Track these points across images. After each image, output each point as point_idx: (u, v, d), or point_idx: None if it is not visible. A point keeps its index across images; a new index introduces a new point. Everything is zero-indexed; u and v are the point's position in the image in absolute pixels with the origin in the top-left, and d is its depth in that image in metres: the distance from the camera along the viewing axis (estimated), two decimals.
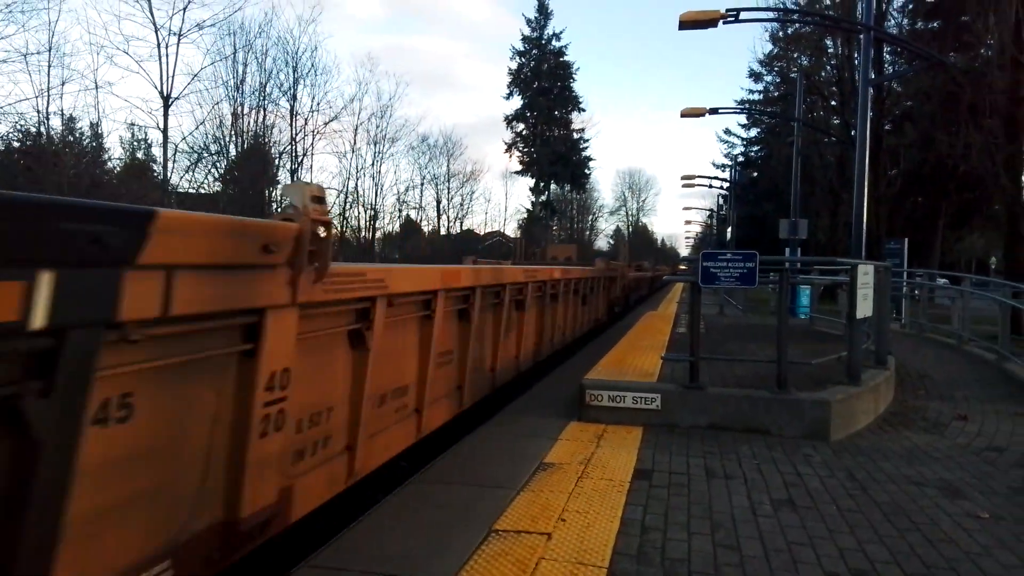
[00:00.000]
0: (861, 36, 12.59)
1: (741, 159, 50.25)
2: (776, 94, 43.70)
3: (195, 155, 28.28)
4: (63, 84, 24.44)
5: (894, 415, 6.41)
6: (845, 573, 3.03)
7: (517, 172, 58.39)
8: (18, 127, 23.27)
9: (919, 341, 12.59)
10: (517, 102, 57.21)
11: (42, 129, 23.49)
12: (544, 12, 56.89)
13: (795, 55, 35.10)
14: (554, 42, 56.99)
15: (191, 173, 28.47)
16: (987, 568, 3.12)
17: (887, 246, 21.13)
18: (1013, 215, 18.66)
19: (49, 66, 23.40)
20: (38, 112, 23.13)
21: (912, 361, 9.57)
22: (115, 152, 29.77)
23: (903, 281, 16.04)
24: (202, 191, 28.70)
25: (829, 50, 30.51)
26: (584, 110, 59.19)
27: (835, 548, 3.30)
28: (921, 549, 3.31)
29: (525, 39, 56.98)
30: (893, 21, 26.89)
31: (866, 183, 11.28)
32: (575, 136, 58.74)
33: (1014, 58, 17.45)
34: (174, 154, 27.21)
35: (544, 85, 56.24)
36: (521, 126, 57.64)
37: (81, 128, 27.39)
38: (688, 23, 11.19)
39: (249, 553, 3.32)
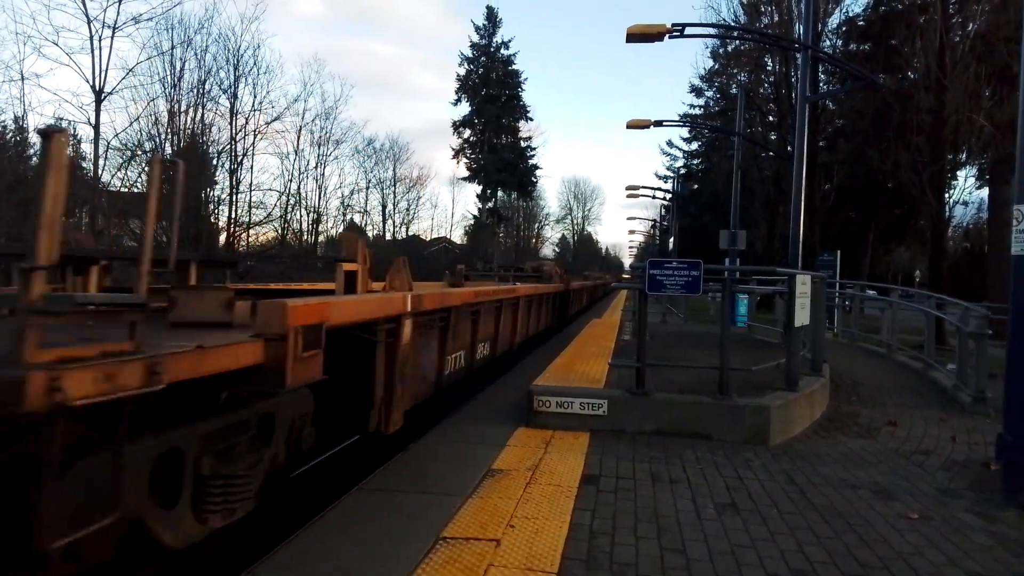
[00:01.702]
0: (799, 55, 13.07)
1: (683, 171, 51.44)
2: (716, 109, 45.01)
3: (128, 153, 27.24)
4: None
5: (829, 420, 6.63)
6: (786, 573, 3.11)
7: (464, 178, 58.33)
8: None
9: (851, 350, 13.09)
10: (465, 108, 57.21)
11: None
12: (493, 20, 57.12)
13: (735, 71, 36.24)
14: (503, 50, 57.23)
15: (124, 171, 27.39)
16: (918, 566, 3.24)
17: (820, 258, 21.94)
18: (937, 230, 19.69)
19: None
20: None
21: (845, 369, 9.93)
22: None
23: (836, 292, 16.68)
24: (135, 190, 27.62)
25: (768, 67, 31.62)
26: (532, 119, 59.62)
27: (776, 550, 3.38)
28: (857, 550, 3.42)
29: (474, 46, 57.07)
30: (828, 42, 28.02)
31: (802, 196, 11.68)
32: (522, 144, 59.02)
33: (938, 80, 18.42)
34: (106, 151, 26.13)
35: (492, 92, 56.38)
36: (468, 132, 57.62)
37: (4, 122, 26.07)
38: (635, 36, 11.38)
39: (180, 570, 3.18)
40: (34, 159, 26.79)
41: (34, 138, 28.38)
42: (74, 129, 27.67)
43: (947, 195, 20.26)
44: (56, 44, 25.76)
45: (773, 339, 11.53)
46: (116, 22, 25.32)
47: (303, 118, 36.78)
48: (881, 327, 13.64)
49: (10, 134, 25.99)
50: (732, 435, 5.54)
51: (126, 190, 27.08)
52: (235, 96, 31.56)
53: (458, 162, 58.10)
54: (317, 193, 39.22)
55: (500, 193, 59.13)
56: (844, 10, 28.51)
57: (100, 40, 25.17)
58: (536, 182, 61.67)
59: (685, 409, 5.69)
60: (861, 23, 28.42)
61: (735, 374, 6.04)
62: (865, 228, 32.00)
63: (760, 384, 6.39)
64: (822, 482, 4.56)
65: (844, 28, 29.14)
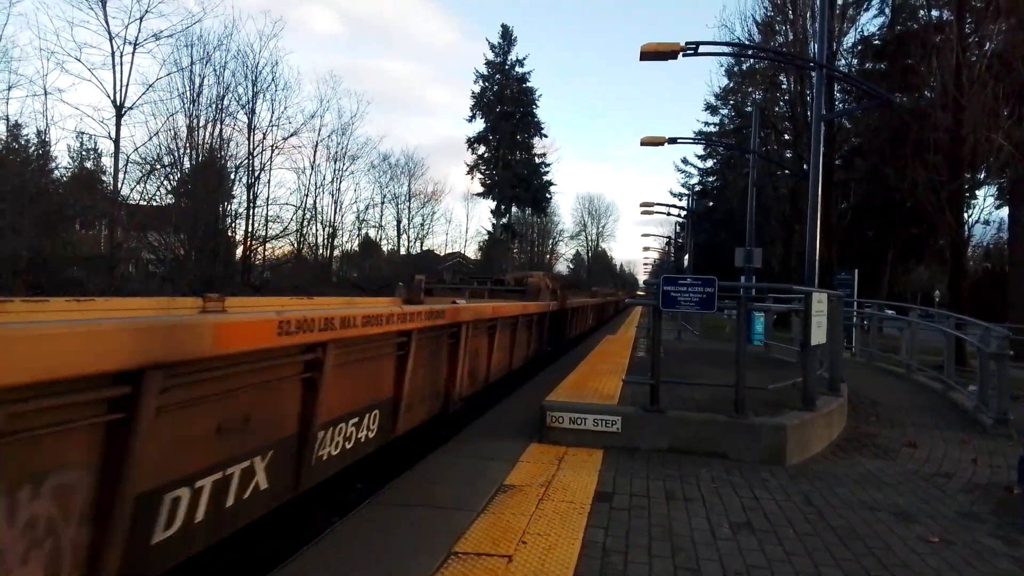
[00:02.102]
0: (814, 73, 13.05)
1: (698, 188, 51.42)
2: (731, 127, 45.03)
3: (147, 167, 27.60)
4: (9, 89, 23.71)
5: (847, 441, 6.53)
6: None
7: (479, 194, 58.66)
8: None
9: (869, 369, 12.92)
10: (480, 125, 57.71)
11: None
12: (508, 38, 57.73)
13: (750, 90, 36.25)
14: (517, 68, 57.80)
15: (143, 185, 27.73)
16: None
17: (838, 276, 21.73)
18: (957, 250, 19.46)
19: None
20: None
21: (863, 389, 9.80)
22: (63, 161, 28.90)
23: (853, 311, 16.51)
24: (154, 204, 27.97)
25: (783, 86, 31.59)
26: (546, 135, 60.22)
27: (792, 571, 3.32)
28: (876, 572, 3.35)
29: (489, 63, 57.64)
30: (843, 61, 27.98)
31: (819, 215, 11.60)
32: (537, 160, 59.39)
33: (955, 99, 18.31)
34: (125, 165, 26.51)
35: (507, 109, 56.82)
36: (483, 149, 58.05)
37: (27, 135, 26.55)
38: (649, 54, 11.41)
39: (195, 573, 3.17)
40: (56, 172, 27.26)
41: (56, 151, 28.87)
42: (94, 143, 28.18)
43: (966, 214, 20.07)
44: (79, 60, 26.31)
45: (790, 358, 11.41)
46: (137, 38, 25.87)
47: (319, 133, 37.17)
48: (900, 347, 13.46)
49: (33, 147, 26.44)
50: (748, 454, 5.47)
51: (145, 203, 27.44)
52: (253, 111, 32.00)
53: (472, 178, 58.51)
54: (333, 208, 39.48)
55: (514, 209, 59.39)
56: (859, 29, 28.49)
57: (121, 56, 25.70)
58: (550, 198, 61.99)
59: (700, 427, 5.63)
60: (876, 42, 28.39)
61: (751, 392, 5.97)
62: (883, 247, 31.75)
63: (777, 403, 6.32)
64: (840, 503, 4.49)
65: (859, 47, 29.11)
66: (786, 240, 33.41)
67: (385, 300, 8.78)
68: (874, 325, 15.54)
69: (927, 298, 47.22)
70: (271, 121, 33.13)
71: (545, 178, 59.71)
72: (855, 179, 29.91)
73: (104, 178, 27.83)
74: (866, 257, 30.92)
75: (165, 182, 28.47)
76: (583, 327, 19.98)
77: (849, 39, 28.44)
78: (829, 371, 7.59)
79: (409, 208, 49.86)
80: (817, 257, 11.51)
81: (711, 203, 50.33)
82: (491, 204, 58.16)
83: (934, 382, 10.65)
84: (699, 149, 53.00)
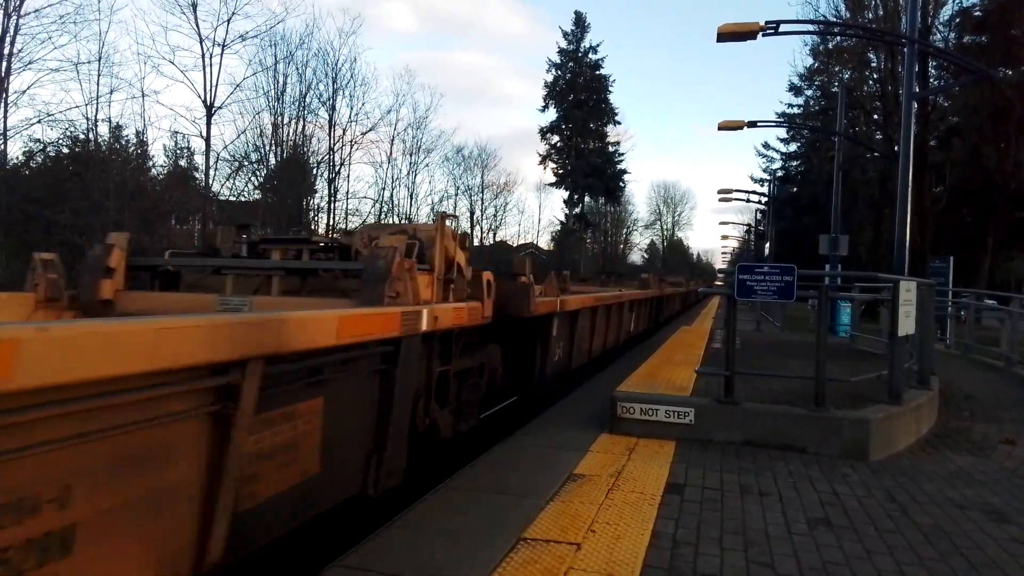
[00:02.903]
0: (905, 49, 12.36)
1: (780, 173, 49.60)
2: (817, 108, 43.14)
3: (236, 164, 28.94)
4: (111, 92, 25.24)
5: (937, 436, 6.22)
6: None
7: (551, 184, 58.47)
8: (68, 133, 24.14)
9: (965, 362, 12.22)
10: (552, 114, 57.41)
11: (90, 136, 24.32)
12: (581, 25, 57.12)
13: (836, 69, 34.62)
14: (590, 55, 57.14)
15: (231, 181, 29.13)
16: None
17: (932, 264, 20.58)
18: None
19: (99, 75, 24.19)
20: (87, 119, 23.94)
21: (957, 382, 9.28)
22: (159, 160, 30.68)
23: (948, 301, 15.61)
24: (242, 199, 29.34)
25: (872, 64, 30.04)
26: (619, 123, 59.17)
27: (873, 569, 3.21)
28: (963, 573, 3.20)
29: (561, 52, 57.22)
30: (939, 35, 26.35)
31: (909, 199, 11.02)
32: (610, 149, 58.66)
33: None
34: (215, 162, 27.90)
35: (579, 98, 56.33)
36: (556, 138, 57.79)
37: (127, 136, 28.25)
38: (726, 35, 11.09)
39: (278, 553, 3.36)
40: (153, 170, 28.93)
41: (153, 150, 30.59)
42: (187, 142, 29.74)
43: None
44: (172, 63, 27.82)
45: (877, 350, 10.93)
46: (225, 40, 27.09)
47: (395, 128, 38.01)
48: (999, 338, 12.65)
49: (132, 147, 28.15)
50: (828, 448, 5.29)
51: (234, 199, 28.81)
52: (333, 108, 33.04)
53: (545, 168, 58.36)
54: (408, 200, 40.33)
55: (587, 198, 58.93)
56: (958, 1, 26.74)
57: (211, 58, 27.00)
58: (624, 187, 61.17)
59: (777, 420, 5.48)
60: (977, 13, 26.54)
61: (833, 385, 5.76)
62: (982, 232, 29.77)
63: (860, 396, 6.07)
64: (927, 500, 4.29)
65: (957, 19, 27.30)
66: (875, 226, 31.89)
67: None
68: (971, 315, 14.64)
69: None
70: (350, 117, 34.18)
71: (619, 166, 58.94)
72: (952, 160, 28.15)
73: (196, 175, 29.37)
74: (963, 243, 29.06)
75: (252, 178, 29.81)
76: (673, 310, 23.54)
77: (947, 11, 26.79)
78: (919, 363, 7.23)
79: (482, 199, 50.37)
80: (907, 243, 10.97)
81: (794, 188, 48.48)
82: (564, 194, 57.90)
83: None
84: (781, 132, 51.01)
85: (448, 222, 4.97)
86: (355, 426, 3.79)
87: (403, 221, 39.11)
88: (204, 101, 26.98)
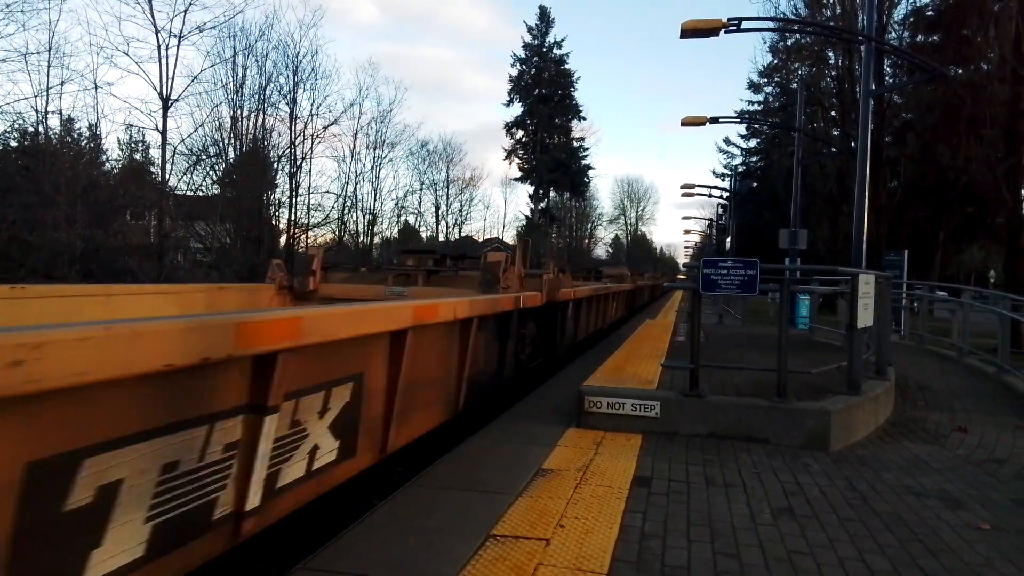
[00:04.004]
0: (862, 47, 12.63)
1: (741, 169, 50.44)
2: (776, 105, 43.95)
3: (193, 158, 28.25)
4: (62, 84, 24.45)
5: (894, 426, 6.38)
6: None
7: (516, 179, 58.56)
8: (16, 126, 23.30)
9: (919, 353, 12.58)
10: (517, 109, 57.48)
11: (40, 129, 23.51)
12: (546, 20, 57.18)
13: (795, 66, 35.27)
14: (555, 50, 57.27)
15: (189, 176, 28.41)
16: None
17: (887, 258, 21.14)
18: (1013, 228, 18.74)
19: (48, 66, 23.36)
20: (36, 112, 23.13)
21: (912, 373, 9.55)
22: (113, 153, 29.78)
23: (903, 293, 16.05)
24: (200, 194, 28.66)
25: (830, 61, 30.66)
26: (584, 118, 59.44)
27: (835, 557, 3.27)
28: (922, 560, 3.28)
29: (526, 46, 57.24)
30: (894, 33, 27.00)
31: (866, 194, 11.28)
32: (575, 144, 58.92)
33: (1014, 70, 17.54)
34: (172, 156, 27.18)
35: (544, 92, 56.44)
36: (521, 133, 57.84)
37: (79, 129, 27.38)
38: (690, 32, 11.19)
39: (244, 554, 3.28)
40: (107, 164, 28.11)
41: (107, 144, 29.73)
42: (143, 135, 28.96)
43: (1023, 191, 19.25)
44: (126, 54, 27.05)
45: (836, 341, 11.18)
46: (182, 31, 26.35)
47: (358, 121, 37.55)
48: (951, 329, 13.05)
49: (85, 140, 27.29)
50: (790, 439, 5.39)
51: (192, 194, 28.14)
52: (294, 101, 32.43)
53: (510, 163, 58.44)
54: (372, 195, 39.93)
55: (552, 193, 59.15)
56: (911, 0, 27.44)
57: (167, 49, 26.21)
58: (589, 182, 61.53)
59: (741, 412, 5.56)
60: (930, 12, 27.26)
61: (794, 377, 5.87)
62: (935, 227, 30.67)
63: (821, 387, 6.20)
64: (885, 489, 4.39)
65: (911, 18, 28.02)
66: (833, 220, 32.64)
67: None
68: (924, 307, 15.07)
69: (981, 279, 45.59)
70: (312, 110, 33.65)
71: (584, 162, 59.26)
72: (906, 156, 28.93)
73: (152, 169, 28.63)
74: (917, 237, 29.91)
75: (211, 172, 29.16)
76: (643, 299, 26.22)
77: (901, 10, 27.47)
78: (876, 355, 7.41)
79: (447, 194, 50.19)
80: (865, 238, 11.24)
81: (755, 184, 49.33)
82: (529, 189, 58.06)
83: (987, 366, 10.32)
84: (742, 129, 51.87)
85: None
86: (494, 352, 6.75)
87: (368, 216, 38.84)
88: (160, 93, 26.24)
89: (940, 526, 3.75)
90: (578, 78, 58.46)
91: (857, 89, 21.44)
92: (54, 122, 24.66)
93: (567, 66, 57.56)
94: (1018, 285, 16.92)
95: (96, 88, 25.57)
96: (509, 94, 57.44)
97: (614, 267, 22.61)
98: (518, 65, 57.41)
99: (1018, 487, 4.59)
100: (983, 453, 5.51)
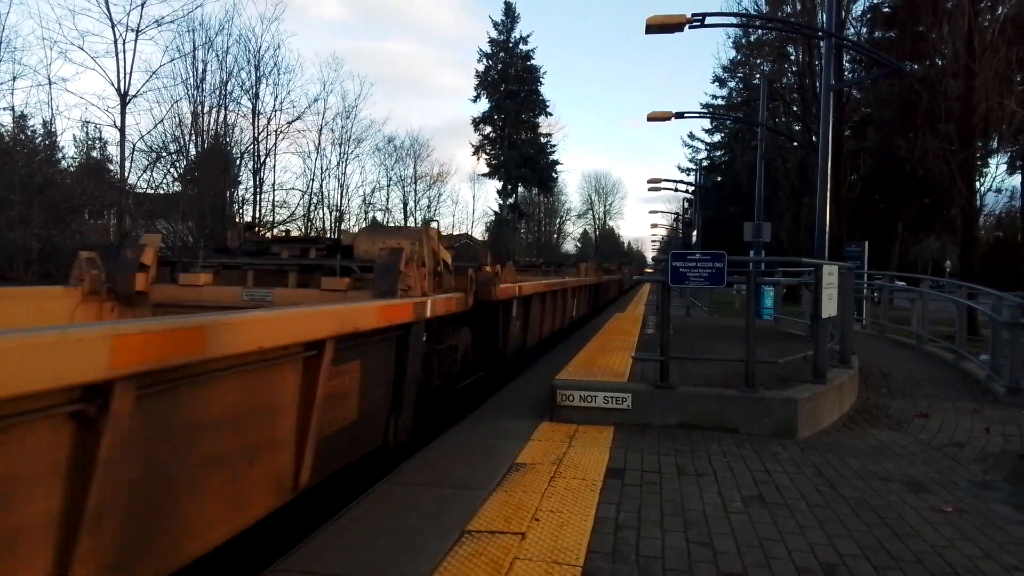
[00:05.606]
0: (823, 43, 12.85)
1: (706, 163, 50.97)
2: (739, 99, 44.50)
3: (153, 155, 27.56)
4: (14, 80, 23.56)
5: (859, 413, 6.53)
6: (816, 567, 3.06)
7: (484, 175, 58.31)
8: None
9: (880, 341, 12.88)
10: (484, 104, 57.23)
11: None
12: (511, 15, 57.05)
13: (758, 61, 35.80)
14: (521, 45, 57.15)
15: (149, 173, 27.71)
16: (952, 560, 3.18)
17: (848, 249, 21.59)
18: (968, 219, 19.29)
19: None
20: None
21: (874, 361, 9.77)
22: (69, 151, 28.89)
23: (864, 283, 16.42)
24: (160, 191, 27.98)
25: (791, 57, 31.16)
26: (551, 114, 59.44)
27: (805, 543, 3.33)
28: (889, 543, 3.35)
29: (492, 42, 57.05)
30: (852, 29, 27.53)
31: (828, 187, 11.48)
32: (542, 139, 58.94)
33: (967, 66, 18.02)
34: (131, 153, 26.47)
35: (511, 88, 56.34)
36: (488, 129, 57.64)
37: (33, 126, 26.52)
38: (655, 27, 11.25)
39: (215, 558, 3.22)
40: (64, 162, 27.31)
41: (63, 141, 28.91)
42: (100, 132, 28.18)
43: (978, 183, 19.84)
44: (81, 48, 26.08)
45: (800, 332, 11.38)
46: (139, 25, 25.64)
47: (323, 117, 36.90)
48: (911, 318, 13.39)
49: (39, 138, 26.46)
50: (759, 428, 5.47)
51: (152, 191, 27.46)
52: (256, 97, 31.82)
53: (478, 158, 58.14)
54: (339, 192, 39.39)
55: (521, 189, 59.11)
56: None
57: (124, 44, 25.48)
58: (557, 177, 61.65)
59: (711, 402, 5.63)
60: (886, 9, 27.89)
61: (761, 367, 5.96)
62: (894, 218, 31.44)
63: (787, 377, 6.31)
64: (852, 475, 4.49)
65: (868, 15, 28.63)
66: (795, 213, 33.21)
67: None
68: (885, 297, 15.44)
69: (938, 269, 46.84)
70: (275, 106, 32.97)
71: (551, 157, 59.32)
72: (865, 150, 29.57)
73: (111, 167, 27.87)
74: (876, 229, 30.64)
75: (171, 170, 28.49)
76: (608, 296, 25.03)
77: (859, 7, 28.02)
78: (840, 344, 7.56)
79: (415, 190, 49.71)
80: (827, 230, 11.43)
81: (719, 178, 49.96)
82: (497, 184, 57.87)
83: (946, 352, 10.61)
84: (707, 123, 52.51)
85: (433, 224, 6.06)
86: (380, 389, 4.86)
87: (335, 213, 38.33)
88: (118, 89, 25.51)
89: (905, 510, 3.84)
90: (544, 73, 58.55)
91: (818, 84, 21.79)
92: (6, 119, 23.88)
93: (533, 62, 57.55)
94: (973, 274, 17.44)
95: (50, 84, 24.76)
96: (476, 90, 57.20)
97: (575, 264, 20.64)
98: (484, 61, 57.22)
99: (977, 470, 4.73)
100: (944, 438, 5.66)
